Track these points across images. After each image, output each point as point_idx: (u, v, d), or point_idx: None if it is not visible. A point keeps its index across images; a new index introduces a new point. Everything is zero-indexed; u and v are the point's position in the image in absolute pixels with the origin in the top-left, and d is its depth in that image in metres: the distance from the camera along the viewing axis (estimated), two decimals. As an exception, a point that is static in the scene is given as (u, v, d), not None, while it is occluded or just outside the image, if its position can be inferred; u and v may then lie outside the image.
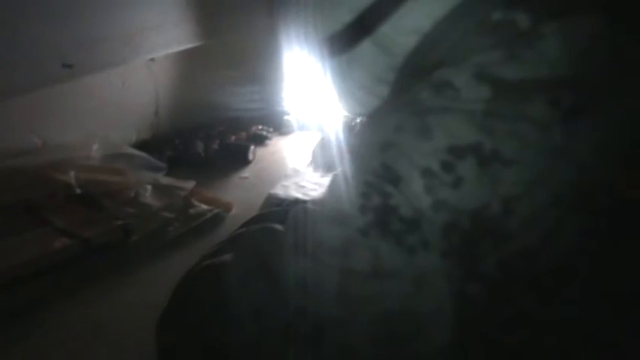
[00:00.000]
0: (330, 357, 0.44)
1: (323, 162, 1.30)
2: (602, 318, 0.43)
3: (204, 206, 1.15)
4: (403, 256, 0.42)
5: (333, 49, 0.55)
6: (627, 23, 0.44)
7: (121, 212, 1.07)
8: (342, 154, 0.52)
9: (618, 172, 0.41)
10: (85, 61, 1.11)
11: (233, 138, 1.52)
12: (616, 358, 0.44)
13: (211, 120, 1.57)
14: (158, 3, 1.29)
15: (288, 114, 1.69)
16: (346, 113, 0.65)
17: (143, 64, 1.42)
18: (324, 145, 1.34)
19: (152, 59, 1.42)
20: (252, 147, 1.46)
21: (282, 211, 0.62)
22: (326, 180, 0.51)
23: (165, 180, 1.23)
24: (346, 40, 0.53)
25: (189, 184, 1.20)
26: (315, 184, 1.24)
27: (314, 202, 0.51)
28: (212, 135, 1.50)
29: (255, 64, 1.67)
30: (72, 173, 1.11)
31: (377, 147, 0.46)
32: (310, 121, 1.66)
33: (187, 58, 1.51)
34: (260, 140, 1.56)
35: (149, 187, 1.18)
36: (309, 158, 1.37)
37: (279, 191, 1.23)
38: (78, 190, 1.09)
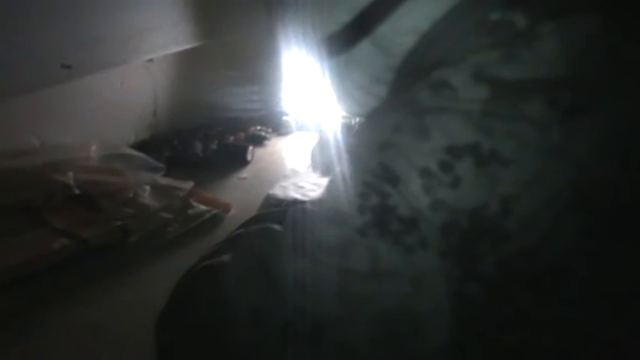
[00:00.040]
0: (328, 357, 0.44)
1: (322, 162, 1.30)
2: (601, 318, 0.43)
3: (202, 207, 1.15)
4: (401, 256, 0.42)
5: (332, 49, 0.55)
6: (625, 23, 0.44)
7: (119, 213, 1.07)
8: (341, 154, 0.52)
9: (616, 172, 0.42)
10: (83, 62, 1.11)
11: (231, 138, 1.52)
12: (615, 359, 0.44)
13: (210, 120, 1.57)
14: (156, 4, 1.29)
15: (286, 114, 1.69)
16: (345, 113, 0.65)
17: (141, 64, 1.42)
18: (322, 145, 1.34)
19: (150, 60, 1.42)
20: (250, 147, 1.46)
21: (281, 211, 0.63)
22: (325, 180, 0.51)
23: (163, 180, 1.23)
24: (345, 40, 0.53)
25: (188, 185, 1.20)
26: (314, 184, 1.24)
27: (312, 202, 0.51)
28: (210, 135, 1.50)
29: (254, 64, 1.67)
30: (70, 174, 1.11)
31: (375, 147, 0.46)
32: (309, 121, 1.66)
33: (186, 58, 1.51)
34: (259, 141, 1.56)
35: (148, 187, 1.18)
36: (308, 159, 1.37)
37: (278, 192, 1.23)
38: (76, 191, 1.09)
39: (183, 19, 1.36)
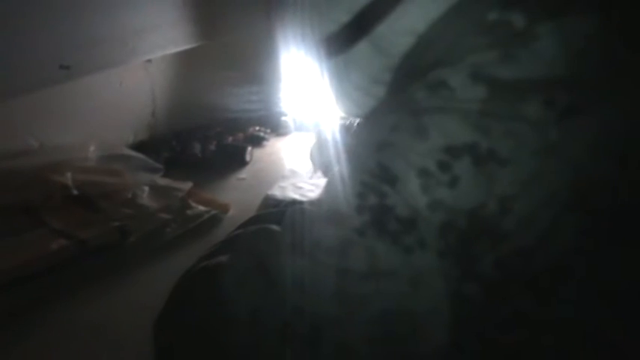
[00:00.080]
0: (327, 357, 0.44)
1: (320, 163, 1.30)
2: (599, 318, 0.43)
3: (201, 207, 1.15)
4: (400, 256, 0.42)
5: (330, 49, 0.55)
6: (623, 23, 0.44)
7: (118, 213, 1.07)
8: (339, 154, 0.52)
9: (614, 172, 0.42)
10: (82, 63, 1.11)
11: (230, 139, 1.52)
12: (614, 358, 0.44)
13: (208, 121, 1.57)
14: (155, 4, 1.29)
15: (285, 115, 1.69)
16: (343, 114, 0.64)
17: (140, 65, 1.42)
18: (321, 145, 1.34)
19: (149, 60, 1.42)
20: (249, 148, 1.46)
21: (280, 212, 0.62)
22: (323, 181, 0.51)
23: (162, 181, 1.23)
24: (343, 40, 0.53)
25: (187, 186, 1.20)
26: (313, 184, 1.24)
27: (311, 202, 0.51)
28: (209, 136, 1.50)
29: (253, 65, 1.66)
30: (69, 174, 1.11)
31: (373, 147, 0.46)
32: (307, 122, 1.66)
33: (184, 58, 1.51)
34: (257, 141, 1.56)
35: (146, 188, 1.18)
36: (307, 159, 1.37)
37: (277, 192, 1.23)
38: (75, 192, 1.09)
39: (181, 20, 1.36)
